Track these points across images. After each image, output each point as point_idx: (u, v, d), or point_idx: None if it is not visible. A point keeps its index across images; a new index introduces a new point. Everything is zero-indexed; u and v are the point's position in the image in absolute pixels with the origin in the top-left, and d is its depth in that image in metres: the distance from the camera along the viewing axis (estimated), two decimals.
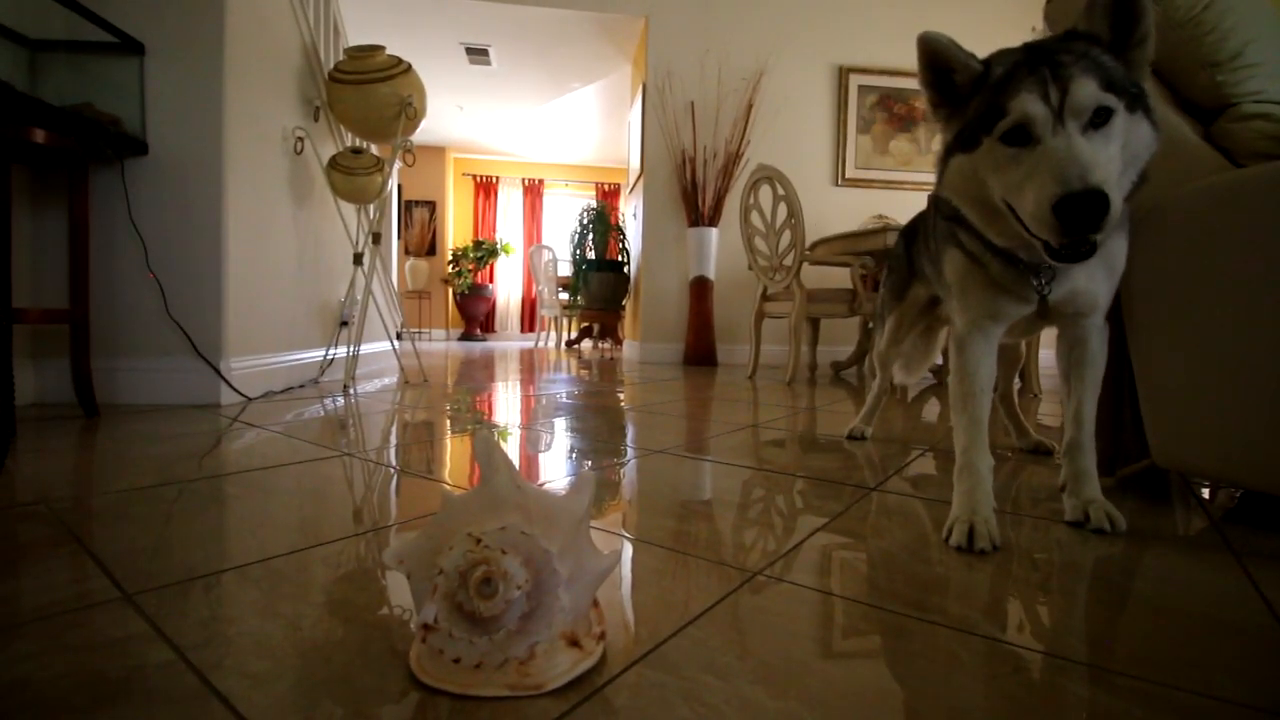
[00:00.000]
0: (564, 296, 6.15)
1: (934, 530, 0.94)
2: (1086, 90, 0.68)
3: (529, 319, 8.77)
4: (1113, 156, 0.70)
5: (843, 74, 4.42)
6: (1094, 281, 0.88)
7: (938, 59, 0.79)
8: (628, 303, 5.35)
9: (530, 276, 8.26)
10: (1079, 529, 0.95)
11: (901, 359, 1.56)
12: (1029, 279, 0.84)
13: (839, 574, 0.77)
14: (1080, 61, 0.69)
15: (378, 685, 0.51)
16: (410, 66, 2.64)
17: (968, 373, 0.93)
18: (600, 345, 6.24)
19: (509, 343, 7.88)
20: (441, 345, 6.95)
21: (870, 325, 3.24)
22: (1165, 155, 1.06)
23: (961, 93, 0.79)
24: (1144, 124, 0.73)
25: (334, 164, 2.74)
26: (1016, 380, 1.36)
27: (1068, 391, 0.99)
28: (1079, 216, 0.64)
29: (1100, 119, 0.69)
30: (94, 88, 1.92)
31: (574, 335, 6.14)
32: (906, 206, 4.42)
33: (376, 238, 2.78)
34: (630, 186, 5.31)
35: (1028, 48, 0.75)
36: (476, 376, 3.32)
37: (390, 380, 2.93)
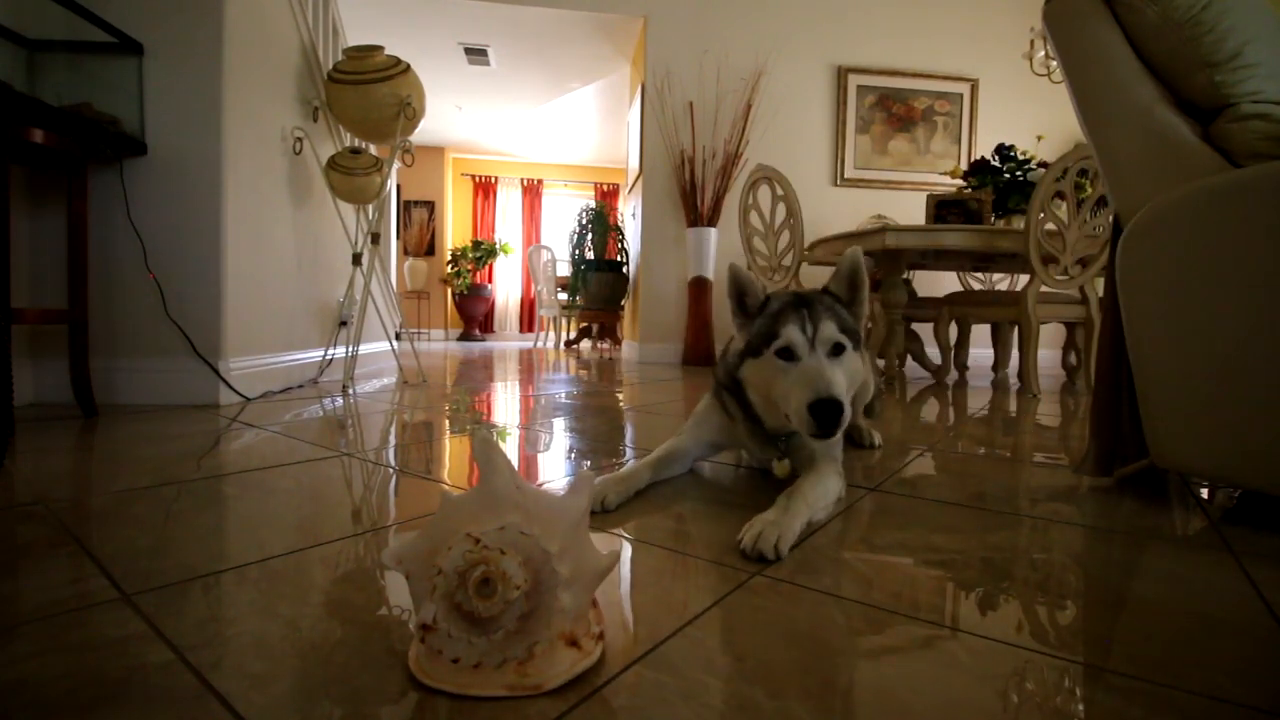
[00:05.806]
0: (563, 297, 6.15)
1: (931, 531, 0.94)
2: (829, 329, 0.98)
3: (528, 319, 8.76)
4: (844, 378, 0.98)
5: (841, 74, 4.42)
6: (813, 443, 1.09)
7: (738, 284, 1.08)
8: (626, 303, 5.35)
9: (529, 277, 8.25)
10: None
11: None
12: (772, 443, 1.13)
13: (837, 574, 0.77)
14: (828, 311, 1.00)
15: (376, 685, 0.51)
16: (409, 66, 2.63)
17: (671, 447, 1.21)
18: (599, 345, 6.23)
19: (508, 343, 7.88)
20: (440, 345, 6.94)
21: (869, 325, 3.24)
22: (1163, 156, 1.07)
23: (750, 314, 1.09)
24: (858, 358, 1.03)
25: (333, 164, 2.74)
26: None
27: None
28: (825, 415, 0.90)
29: (837, 351, 0.99)
30: (93, 88, 1.92)
31: (573, 335, 6.13)
32: (905, 206, 4.42)
33: (375, 238, 2.77)
34: (629, 186, 5.31)
35: (795, 294, 1.04)
36: (475, 376, 3.32)
37: (389, 380, 2.93)
